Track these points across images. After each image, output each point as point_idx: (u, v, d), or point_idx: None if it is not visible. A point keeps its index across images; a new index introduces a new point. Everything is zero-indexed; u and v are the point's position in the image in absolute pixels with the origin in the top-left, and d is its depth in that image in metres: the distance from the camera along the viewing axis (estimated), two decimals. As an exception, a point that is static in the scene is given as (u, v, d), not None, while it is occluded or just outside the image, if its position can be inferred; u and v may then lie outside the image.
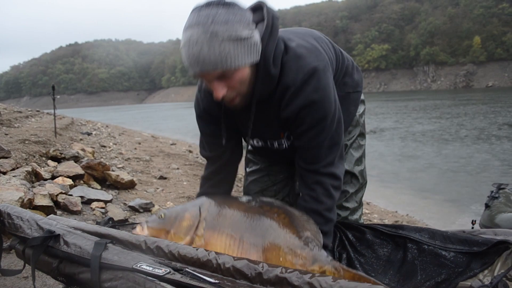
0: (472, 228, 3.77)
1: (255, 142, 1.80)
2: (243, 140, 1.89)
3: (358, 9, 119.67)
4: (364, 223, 1.78)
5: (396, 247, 1.59)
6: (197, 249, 1.31)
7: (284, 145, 1.70)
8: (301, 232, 1.43)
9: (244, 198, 1.63)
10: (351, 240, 1.67)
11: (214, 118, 1.73)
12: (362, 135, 2.05)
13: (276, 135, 1.68)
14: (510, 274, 1.19)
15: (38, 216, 1.55)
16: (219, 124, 1.73)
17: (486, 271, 1.33)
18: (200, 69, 1.38)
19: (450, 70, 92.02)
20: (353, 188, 1.95)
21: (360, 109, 2.04)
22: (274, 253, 1.40)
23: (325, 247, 1.49)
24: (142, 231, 1.57)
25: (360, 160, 2.02)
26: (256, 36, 1.43)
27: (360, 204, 1.99)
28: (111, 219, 2.13)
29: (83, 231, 1.48)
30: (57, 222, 1.51)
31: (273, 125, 1.64)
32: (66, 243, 1.38)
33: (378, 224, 1.65)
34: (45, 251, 1.41)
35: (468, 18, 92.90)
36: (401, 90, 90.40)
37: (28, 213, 1.55)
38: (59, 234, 1.40)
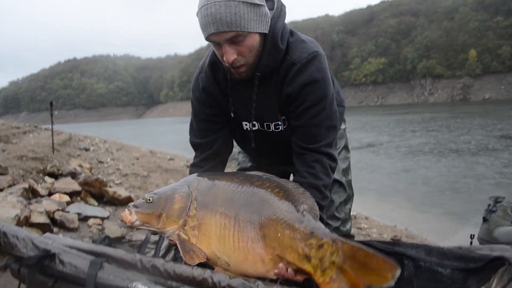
0: (471, 242, 3.77)
1: (251, 125, 1.81)
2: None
3: (355, 23, 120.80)
4: (362, 239, 1.78)
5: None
6: (192, 268, 1.31)
7: (280, 128, 1.75)
8: (298, 206, 1.39)
9: (232, 174, 1.58)
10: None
11: (212, 99, 1.79)
12: (346, 148, 2.10)
13: (274, 116, 1.73)
14: (506, 290, 1.19)
15: (34, 234, 1.55)
16: (217, 105, 1.79)
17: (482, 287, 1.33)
18: (216, 29, 1.46)
19: (447, 83, 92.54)
20: (341, 198, 1.99)
21: (344, 124, 2.14)
22: (272, 229, 1.35)
23: (321, 220, 1.46)
24: (130, 216, 1.49)
25: (346, 171, 2.05)
26: (266, 9, 1.55)
27: (349, 216, 2.02)
28: (107, 237, 2.12)
29: (79, 249, 1.48)
30: (53, 241, 1.50)
31: (272, 106, 1.70)
32: (61, 262, 1.38)
33: (374, 241, 1.65)
34: (41, 270, 1.41)
35: (464, 31, 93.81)
36: (399, 104, 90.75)
37: (24, 232, 1.54)
38: (54, 253, 1.40)
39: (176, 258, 2.04)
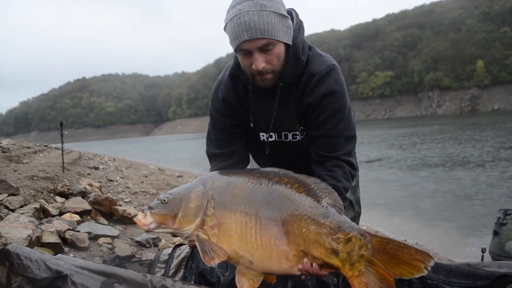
0: (482, 256, 3.74)
1: (267, 136, 1.86)
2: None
3: (360, 37, 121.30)
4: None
5: (401, 281, 1.59)
6: (202, 288, 1.33)
7: (298, 138, 1.82)
8: (321, 200, 1.41)
9: (247, 171, 1.57)
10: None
11: (231, 109, 1.89)
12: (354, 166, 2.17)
13: (293, 126, 1.81)
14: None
15: (46, 256, 1.58)
16: (236, 116, 1.88)
17: (490, 304, 1.33)
18: (249, 36, 1.56)
19: (455, 95, 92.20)
20: (349, 216, 2.01)
21: None
22: (296, 225, 1.36)
23: None
24: (144, 219, 1.49)
25: (355, 189, 2.08)
26: (290, 21, 1.67)
27: None
28: (117, 256, 2.15)
29: (90, 270, 1.51)
30: (65, 262, 1.54)
31: (292, 116, 1.79)
32: (73, 283, 1.41)
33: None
34: (53, 291, 1.44)
35: (470, 43, 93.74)
36: (407, 116, 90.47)
37: (36, 254, 1.58)
38: (66, 275, 1.43)
39: (186, 277, 2.07)
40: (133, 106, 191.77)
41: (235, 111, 1.88)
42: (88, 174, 8.57)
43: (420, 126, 41.74)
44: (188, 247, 2.19)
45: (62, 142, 7.67)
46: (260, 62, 1.61)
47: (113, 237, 3.85)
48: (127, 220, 4.61)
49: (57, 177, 5.87)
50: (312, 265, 1.35)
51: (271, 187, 1.45)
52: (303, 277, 1.40)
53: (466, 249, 5.68)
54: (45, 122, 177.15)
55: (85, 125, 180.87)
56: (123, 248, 3.53)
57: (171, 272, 2.09)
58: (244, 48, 1.61)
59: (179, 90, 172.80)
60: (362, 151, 20.16)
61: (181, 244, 2.30)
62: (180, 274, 2.09)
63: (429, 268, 1.23)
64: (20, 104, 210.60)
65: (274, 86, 1.73)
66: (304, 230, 1.35)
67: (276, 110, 1.78)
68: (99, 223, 4.24)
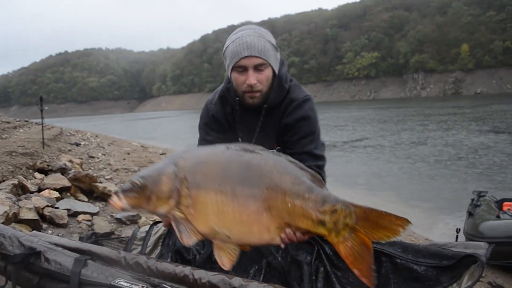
0: (457, 236, 3.84)
1: None
2: None
3: (348, 17, 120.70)
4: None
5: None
6: (175, 265, 1.35)
7: None
8: (301, 176, 1.49)
9: (216, 148, 1.61)
10: (328, 254, 1.71)
11: (219, 126, 2.12)
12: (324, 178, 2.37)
13: (271, 145, 2.03)
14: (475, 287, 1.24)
15: (20, 233, 1.58)
16: (223, 132, 2.11)
17: (454, 284, 1.38)
18: (249, 53, 1.85)
19: (439, 78, 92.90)
20: None
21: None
22: (279, 201, 1.43)
23: None
24: (119, 202, 1.52)
25: None
26: (279, 55, 1.99)
27: None
28: (94, 233, 2.15)
29: (64, 247, 1.51)
30: (39, 239, 1.53)
31: (271, 135, 2.04)
32: (46, 260, 1.41)
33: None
34: (26, 267, 1.44)
35: (456, 26, 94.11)
36: (391, 98, 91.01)
37: (10, 230, 1.57)
38: (40, 251, 1.43)
39: (162, 254, 2.08)
40: (116, 81, 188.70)
41: (223, 128, 2.11)
42: (69, 150, 8.50)
43: (404, 108, 42.11)
44: (166, 225, 2.21)
45: (42, 118, 7.56)
46: (253, 78, 1.88)
47: (92, 214, 3.85)
48: (107, 197, 4.59)
49: (36, 153, 5.80)
50: (295, 234, 1.46)
51: (245, 165, 1.49)
52: (282, 245, 1.50)
53: (443, 229, 5.83)
54: (26, 96, 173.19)
55: (67, 100, 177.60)
56: (102, 225, 3.53)
57: (148, 249, 2.11)
58: (241, 64, 1.88)
59: (164, 66, 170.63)
60: (344, 132, 20.32)
61: (158, 222, 2.31)
62: (157, 251, 2.11)
63: (405, 231, 1.40)
64: (0, 78, 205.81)
65: (259, 107, 1.98)
66: (289, 205, 1.43)
67: (259, 129, 2.03)
68: (79, 200, 4.23)
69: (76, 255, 1.41)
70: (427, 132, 18.61)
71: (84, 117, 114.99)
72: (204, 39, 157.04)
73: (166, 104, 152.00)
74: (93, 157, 8.25)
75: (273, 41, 1.96)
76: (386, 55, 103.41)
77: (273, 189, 1.45)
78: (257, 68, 1.89)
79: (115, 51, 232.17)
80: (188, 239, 1.46)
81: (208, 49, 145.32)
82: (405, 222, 1.38)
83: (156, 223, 2.29)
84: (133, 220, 3.91)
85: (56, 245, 1.52)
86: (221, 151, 1.56)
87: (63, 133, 13.82)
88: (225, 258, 1.47)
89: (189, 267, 1.29)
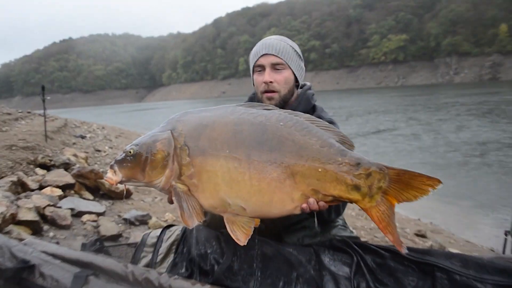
0: (505, 239, 3.65)
1: None
2: None
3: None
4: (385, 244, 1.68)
5: (423, 276, 1.49)
6: (191, 283, 1.23)
7: None
8: (327, 138, 1.47)
9: (226, 108, 1.56)
10: (370, 267, 1.57)
11: None
12: None
13: None
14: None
15: (12, 242, 1.48)
16: None
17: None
18: (266, 51, 1.97)
19: (475, 61, 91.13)
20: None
21: None
22: (306, 166, 1.42)
23: None
24: (115, 176, 1.51)
25: None
26: (304, 66, 2.13)
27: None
28: (98, 239, 2.05)
29: (63, 259, 1.41)
30: (34, 249, 1.43)
31: None
32: (42, 275, 1.30)
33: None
34: (19, 283, 1.33)
35: (493, 4, 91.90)
36: (421, 84, 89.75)
37: (1, 238, 1.47)
38: (34, 265, 1.33)
39: (176, 264, 1.97)
40: (124, 69, 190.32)
41: None
42: (74, 143, 8.48)
43: (436, 95, 41.41)
44: (180, 229, 2.11)
45: (45, 109, 7.55)
46: (268, 75, 1.96)
47: (98, 214, 3.78)
48: (115, 195, 4.53)
49: (38, 147, 5.76)
50: (318, 203, 1.46)
51: (259, 126, 1.45)
52: (299, 212, 1.48)
53: (485, 230, 5.63)
54: (29, 86, 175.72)
55: (73, 89, 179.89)
56: (109, 226, 3.44)
57: (159, 257, 2.00)
58: (259, 63, 1.99)
59: (175, 52, 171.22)
60: (373, 120, 20.02)
61: (171, 225, 2.21)
62: (170, 259, 1.99)
63: (435, 190, 1.42)
64: (2, 67, 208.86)
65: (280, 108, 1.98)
66: (320, 170, 1.42)
67: None
68: (84, 199, 4.16)
69: (76, 269, 1.30)
70: (462, 121, 18.20)
71: (90, 107, 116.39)
72: (217, 22, 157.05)
73: (177, 93, 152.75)
74: (99, 151, 8.22)
75: (298, 49, 2.06)
76: (415, 37, 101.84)
77: (297, 153, 1.42)
78: (275, 67, 1.97)
79: (122, 37, 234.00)
80: (189, 220, 1.42)
81: (222, 33, 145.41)
82: (436, 182, 1.40)
83: (168, 226, 2.18)
84: (143, 221, 3.83)
85: (54, 256, 1.42)
86: (229, 112, 1.51)
87: (68, 125, 13.85)
88: (239, 233, 1.44)
89: (208, 285, 1.16)
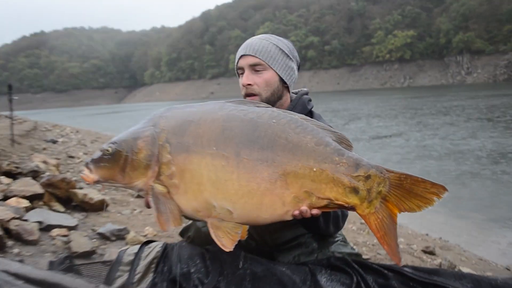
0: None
1: None
2: None
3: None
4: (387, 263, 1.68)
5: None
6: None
7: None
8: (325, 135, 1.49)
9: (207, 105, 1.56)
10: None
11: None
12: None
13: None
14: None
15: (-32, 259, 1.45)
16: None
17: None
18: (244, 52, 2.00)
19: (489, 60, 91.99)
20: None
21: None
22: (300, 165, 1.42)
23: None
24: (91, 175, 1.50)
25: None
26: (295, 66, 2.12)
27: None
28: (68, 257, 2.03)
29: (27, 279, 1.38)
30: (-7, 268, 1.40)
31: None
32: (1, 298, 1.28)
33: (406, 267, 1.54)
34: (-24, 308, 1.31)
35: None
36: (430, 85, 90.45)
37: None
38: (-8, 287, 1.30)
39: (155, 284, 1.95)
40: (102, 67, 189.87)
41: None
42: (44, 149, 8.44)
43: (447, 97, 41.71)
44: (160, 245, 2.10)
45: (11, 110, 7.51)
46: (247, 78, 1.98)
47: (69, 228, 3.75)
48: (89, 207, 4.50)
49: (3, 153, 5.73)
50: (312, 207, 1.47)
51: (250, 123, 1.46)
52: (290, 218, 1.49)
53: (501, 246, 5.65)
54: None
55: (44, 89, 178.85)
56: (81, 242, 3.41)
57: (136, 277, 1.98)
58: (239, 65, 2.04)
59: (158, 48, 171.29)
60: (377, 125, 20.11)
61: (151, 241, 2.19)
62: (148, 279, 1.98)
63: (440, 200, 1.44)
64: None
65: None
66: (315, 170, 1.44)
67: None
68: (54, 211, 4.13)
69: (41, 291, 1.28)
70: (475, 126, 18.35)
71: (63, 108, 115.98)
72: (206, 16, 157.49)
73: (161, 94, 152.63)
74: (72, 157, 8.18)
75: (287, 48, 2.08)
76: (423, 33, 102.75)
77: (291, 151, 1.43)
78: (254, 68, 2.00)
79: (100, 31, 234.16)
80: (166, 223, 1.43)
81: (211, 28, 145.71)
82: (441, 189, 1.42)
83: (147, 242, 2.16)
84: (120, 236, 3.80)
85: (16, 276, 1.39)
86: (217, 108, 1.52)
87: (38, 128, 13.82)
88: (225, 239, 1.44)
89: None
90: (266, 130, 1.45)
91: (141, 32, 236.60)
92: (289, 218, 1.48)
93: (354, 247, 2.10)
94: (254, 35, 2.16)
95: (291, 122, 1.49)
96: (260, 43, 2.00)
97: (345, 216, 1.90)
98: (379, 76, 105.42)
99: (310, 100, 2.18)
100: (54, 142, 10.57)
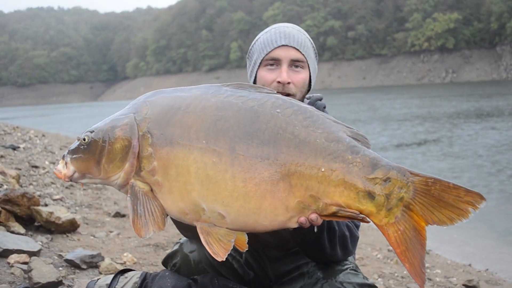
0: None
1: None
2: None
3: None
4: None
5: None
6: None
7: None
8: (337, 130, 1.50)
9: (209, 87, 1.58)
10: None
11: None
12: None
13: None
14: None
15: None
16: None
17: None
18: (286, 42, 2.05)
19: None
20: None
21: None
22: (306, 164, 1.44)
23: None
24: (66, 169, 1.55)
25: None
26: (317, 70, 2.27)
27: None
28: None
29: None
30: None
31: None
32: None
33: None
34: None
35: None
36: (478, 80, 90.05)
37: None
38: None
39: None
40: (74, 56, 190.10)
41: None
42: (1, 156, 8.49)
43: (499, 95, 41.56)
44: (138, 275, 2.13)
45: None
46: (286, 76, 2.03)
47: (31, 254, 3.78)
48: (56, 228, 4.55)
49: (-48, 161, 5.78)
50: (320, 213, 1.49)
51: (249, 113, 1.48)
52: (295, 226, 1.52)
53: None
54: None
55: (4, 83, 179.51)
56: (44, 271, 3.44)
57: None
58: (275, 56, 2.07)
59: (143, 34, 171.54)
60: (411, 129, 20.08)
61: (128, 270, 2.22)
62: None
63: (477, 211, 1.44)
64: None
65: None
66: (323, 170, 1.45)
67: None
68: (12, 232, 4.17)
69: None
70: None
71: (26, 106, 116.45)
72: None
73: (146, 89, 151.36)
74: (36, 167, 8.23)
75: (314, 46, 2.21)
76: (470, 17, 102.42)
77: (297, 147, 1.45)
78: (294, 64, 2.07)
79: (72, 12, 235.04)
80: (143, 228, 1.44)
81: (208, 9, 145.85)
82: (477, 198, 1.42)
83: (123, 271, 2.20)
84: (92, 263, 3.84)
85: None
86: (210, 94, 1.54)
87: (-5, 131, 13.89)
88: (217, 247, 1.45)
89: None
90: (268, 121, 1.48)
91: (123, 13, 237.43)
92: (295, 225, 1.49)
93: (374, 279, 2.12)
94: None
95: (299, 112, 1.51)
96: (299, 35, 2.07)
97: (354, 238, 1.91)
98: (415, 70, 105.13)
99: (324, 107, 2.21)
100: (14, 148, 10.60)
